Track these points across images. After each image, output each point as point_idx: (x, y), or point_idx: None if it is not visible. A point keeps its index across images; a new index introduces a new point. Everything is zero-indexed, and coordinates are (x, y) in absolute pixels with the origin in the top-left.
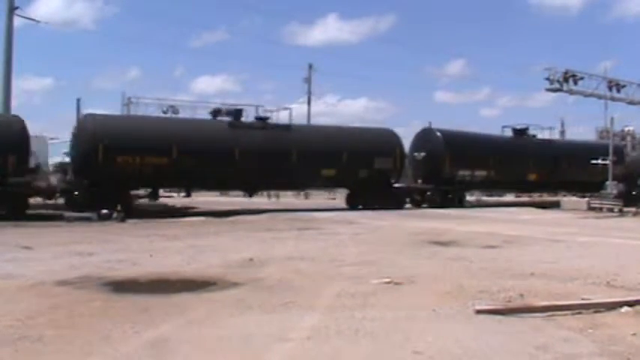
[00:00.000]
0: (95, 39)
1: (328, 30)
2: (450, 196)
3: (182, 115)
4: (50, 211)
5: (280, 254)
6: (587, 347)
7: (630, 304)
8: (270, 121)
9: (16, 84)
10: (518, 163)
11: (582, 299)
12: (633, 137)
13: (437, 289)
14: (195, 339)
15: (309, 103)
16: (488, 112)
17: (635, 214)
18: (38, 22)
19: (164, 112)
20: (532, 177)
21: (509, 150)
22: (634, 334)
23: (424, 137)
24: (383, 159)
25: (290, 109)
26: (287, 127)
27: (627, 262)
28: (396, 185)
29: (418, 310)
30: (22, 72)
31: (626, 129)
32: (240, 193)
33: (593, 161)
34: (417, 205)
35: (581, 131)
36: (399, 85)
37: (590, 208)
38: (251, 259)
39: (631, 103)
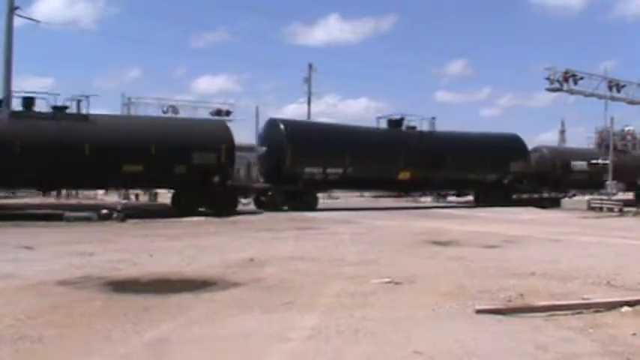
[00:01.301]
0: (96, 39)
1: (329, 30)
2: (302, 197)
3: (182, 114)
4: (50, 211)
5: (280, 254)
6: (587, 347)
7: (630, 303)
8: (70, 111)
9: (17, 84)
10: (385, 159)
11: (582, 299)
12: (633, 137)
13: (437, 288)
14: (195, 339)
15: (309, 103)
16: (488, 112)
17: (635, 214)
18: (38, 22)
19: (164, 112)
20: (404, 175)
21: (373, 144)
22: (634, 334)
23: (269, 129)
24: (203, 154)
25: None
26: (84, 117)
27: (627, 262)
28: (234, 185)
29: (418, 310)
30: (23, 72)
31: (626, 129)
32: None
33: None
34: (260, 206)
35: (582, 131)
36: (399, 85)
37: (591, 208)
38: (251, 259)
39: (631, 103)
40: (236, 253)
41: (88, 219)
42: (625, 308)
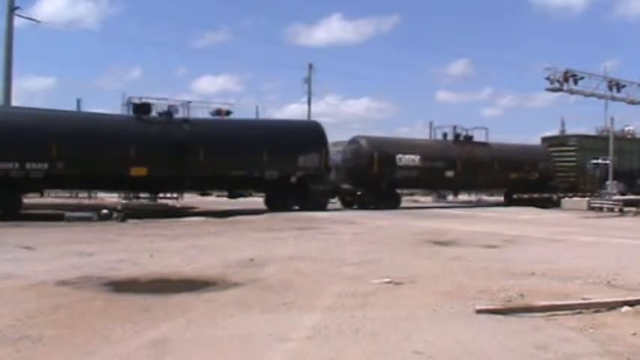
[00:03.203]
0: (98, 39)
1: (331, 30)
2: None
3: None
4: (50, 212)
5: (281, 254)
6: (588, 347)
7: (631, 303)
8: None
9: (18, 84)
10: (110, 151)
11: (582, 299)
12: (633, 137)
13: (437, 288)
14: (195, 339)
15: (309, 103)
16: (489, 112)
17: (635, 214)
18: (38, 22)
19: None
20: (138, 171)
21: (95, 133)
22: (634, 334)
23: None
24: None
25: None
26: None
27: (628, 262)
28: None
29: (418, 310)
30: (25, 72)
31: (627, 129)
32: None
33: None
34: None
35: (582, 131)
36: (401, 85)
37: (591, 208)
38: (251, 259)
39: (631, 102)
40: (236, 253)
41: (88, 219)
42: (625, 308)
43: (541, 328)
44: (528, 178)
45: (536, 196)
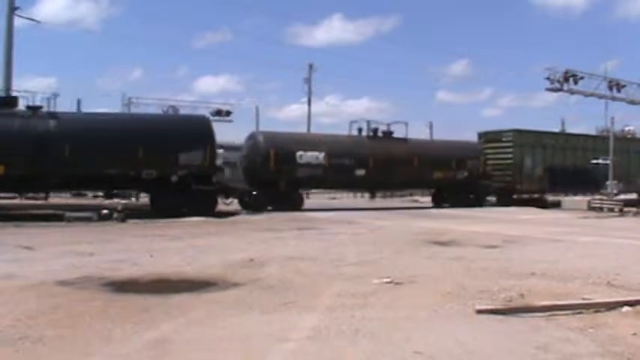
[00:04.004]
0: (98, 39)
1: (332, 30)
2: None
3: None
4: (50, 212)
5: (281, 254)
6: (588, 347)
7: (631, 304)
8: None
9: (19, 84)
10: None
11: (583, 299)
12: (634, 137)
13: (437, 289)
14: (195, 339)
15: (309, 103)
16: (490, 113)
17: (635, 214)
18: (39, 22)
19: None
20: None
21: None
22: (634, 334)
23: None
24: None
25: None
26: None
27: (628, 262)
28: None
29: (418, 310)
30: (26, 72)
31: (627, 129)
32: None
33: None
34: None
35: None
36: (401, 85)
37: (591, 208)
38: (251, 259)
39: (631, 102)
40: (236, 253)
41: (88, 219)
42: (625, 308)
43: (541, 328)
44: (456, 177)
45: (464, 196)
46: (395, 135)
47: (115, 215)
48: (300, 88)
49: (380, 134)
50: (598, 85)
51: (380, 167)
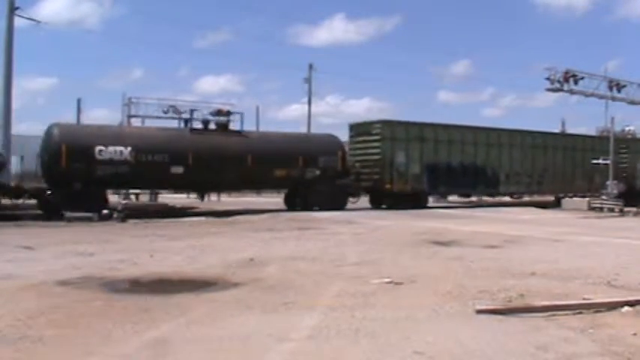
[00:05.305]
0: (100, 39)
1: (333, 30)
2: None
3: (183, 116)
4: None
5: (281, 254)
6: (588, 347)
7: (631, 304)
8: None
9: (20, 84)
10: None
11: (583, 299)
12: (634, 137)
13: (437, 288)
14: (195, 339)
15: (309, 103)
16: (491, 113)
17: (635, 214)
18: (39, 22)
19: (165, 112)
20: None
21: None
22: (634, 334)
23: None
24: None
25: None
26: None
27: (628, 262)
28: None
29: (418, 310)
30: (27, 72)
31: (627, 129)
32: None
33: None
34: None
35: (583, 131)
36: (402, 85)
37: (591, 208)
38: (251, 259)
39: (632, 103)
40: (236, 253)
41: (88, 219)
42: (625, 308)
43: (541, 328)
44: (304, 176)
45: (320, 197)
46: (232, 127)
47: (115, 215)
48: (301, 88)
49: (213, 127)
50: (598, 85)
51: (203, 165)
